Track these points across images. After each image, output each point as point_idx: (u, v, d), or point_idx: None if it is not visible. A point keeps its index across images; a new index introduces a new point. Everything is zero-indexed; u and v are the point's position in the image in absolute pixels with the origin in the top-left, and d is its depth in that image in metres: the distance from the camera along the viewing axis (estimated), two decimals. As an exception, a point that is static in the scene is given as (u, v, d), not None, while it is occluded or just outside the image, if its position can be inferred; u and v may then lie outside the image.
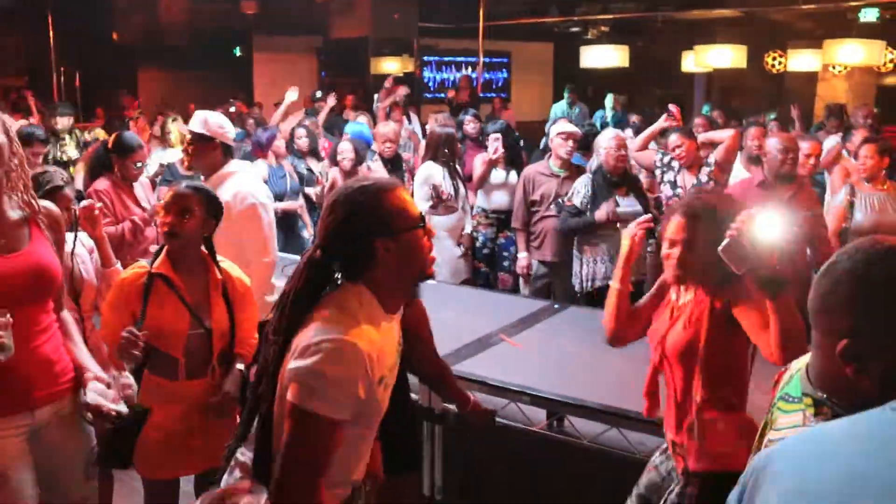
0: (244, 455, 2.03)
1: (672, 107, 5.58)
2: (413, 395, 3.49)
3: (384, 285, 1.91)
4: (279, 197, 6.04)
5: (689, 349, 2.45)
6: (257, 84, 13.03)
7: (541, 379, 3.32)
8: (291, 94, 7.32)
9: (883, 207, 4.63)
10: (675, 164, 5.11)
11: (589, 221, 4.81)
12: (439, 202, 5.30)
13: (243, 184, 3.79)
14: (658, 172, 5.20)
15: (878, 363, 1.24)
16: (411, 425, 2.99)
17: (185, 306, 2.84)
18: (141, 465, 2.90)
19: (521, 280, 5.51)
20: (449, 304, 4.44)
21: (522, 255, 5.33)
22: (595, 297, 4.85)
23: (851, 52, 9.88)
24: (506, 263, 5.65)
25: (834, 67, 12.64)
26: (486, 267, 5.65)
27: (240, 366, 2.97)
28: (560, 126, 5.37)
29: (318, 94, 7.12)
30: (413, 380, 3.53)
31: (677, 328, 2.50)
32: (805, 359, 1.59)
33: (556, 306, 4.41)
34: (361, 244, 1.88)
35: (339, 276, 1.94)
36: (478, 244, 5.65)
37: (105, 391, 2.39)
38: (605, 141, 4.90)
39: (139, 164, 4.43)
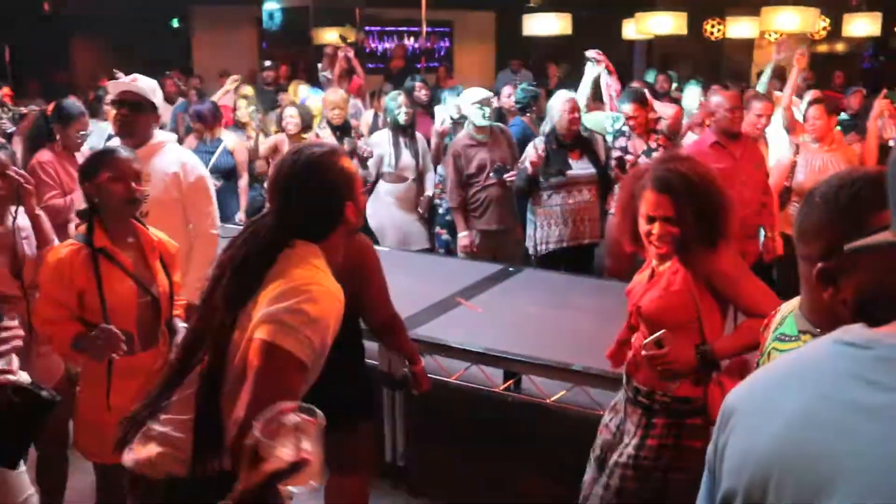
0: (162, 425, 1.95)
1: (591, 52, 5.35)
2: (373, 362, 3.47)
3: (336, 245, 1.97)
4: None
5: (659, 317, 2.46)
6: (196, 55, 12.70)
7: (501, 341, 3.32)
8: (230, 84, 7.22)
9: (825, 168, 4.67)
10: (626, 129, 5.12)
11: (523, 174, 4.78)
12: (362, 161, 5.22)
13: (185, 154, 3.70)
14: (609, 137, 5.19)
15: (850, 283, 1.24)
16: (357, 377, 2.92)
17: (131, 277, 2.74)
18: (96, 451, 2.79)
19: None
20: (404, 270, 4.40)
21: (463, 234, 5.12)
22: (549, 261, 4.87)
23: (788, 20, 10.00)
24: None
25: (770, 35, 12.84)
26: (447, 234, 5.58)
27: (182, 324, 2.90)
28: (469, 97, 5.20)
29: (267, 63, 6.97)
30: (371, 347, 3.52)
31: (653, 294, 2.50)
32: (796, 300, 1.61)
33: (511, 269, 4.42)
34: (333, 207, 1.94)
35: (287, 239, 1.93)
36: (441, 211, 5.58)
37: None
38: (559, 104, 4.87)
39: (82, 133, 4.26)
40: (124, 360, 2.69)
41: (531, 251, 4.99)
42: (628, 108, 5.00)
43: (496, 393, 3.31)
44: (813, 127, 4.73)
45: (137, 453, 1.96)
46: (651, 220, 2.41)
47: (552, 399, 3.14)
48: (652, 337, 2.39)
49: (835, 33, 12.38)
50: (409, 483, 3.58)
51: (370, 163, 5.37)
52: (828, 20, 11.77)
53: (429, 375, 3.42)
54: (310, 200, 1.93)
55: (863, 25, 10.93)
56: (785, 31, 11.15)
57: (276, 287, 1.81)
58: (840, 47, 15.01)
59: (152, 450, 1.93)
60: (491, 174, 5.05)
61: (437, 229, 5.58)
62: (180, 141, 7.69)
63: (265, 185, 3.81)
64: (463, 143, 5.18)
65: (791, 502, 0.96)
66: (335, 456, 2.85)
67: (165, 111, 9.38)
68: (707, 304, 2.43)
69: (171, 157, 3.57)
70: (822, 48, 14.93)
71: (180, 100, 8.58)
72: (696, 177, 2.42)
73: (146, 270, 2.79)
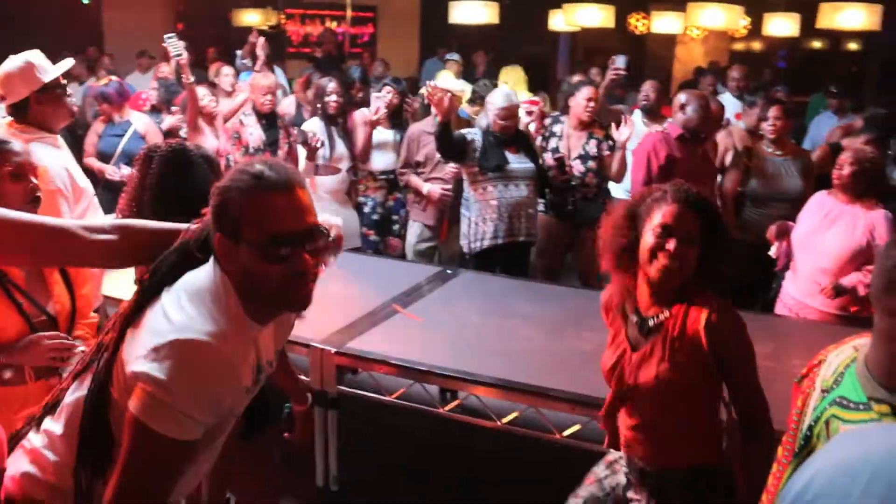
0: (39, 437, 1.69)
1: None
2: (304, 377, 3.17)
3: (238, 287, 1.55)
4: (105, 158, 5.58)
5: (669, 396, 2.07)
6: (108, 34, 11.98)
7: (445, 355, 3.06)
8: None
9: (778, 172, 4.59)
10: (557, 128, 4.97)
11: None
12: (312, 151, 4.88)
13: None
14: (540, 140, 5.02)
15: None
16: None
17: (22, 294, 2.32)
18: None
19: (406, 246, 5.19)
20: (333, 274, 4.09)
21: (427, 187, 4.95)
22: (484, 258, 4.64)
23: (712, 16, 10.15)
24: (395, 227, 5.32)
25: (692, 31, 12.96)
26: (375, 234, 5.29)
27: (82, 347, 2.51)
28: (437, 83, 5.05)
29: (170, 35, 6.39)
30: (303, 360, 3.22)
31: (653, 365, 2.07)
32: (845, 351, 1.38)
33: (448, 272, 4.16)
34: (212, 232, 1.56)
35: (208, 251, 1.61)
36: (366, 210, 5.28)
37: None
38: (495, 108, 4.63)
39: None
40: (11, 391, 2.29)
41: (465, 248, 4.76)
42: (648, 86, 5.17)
43: (440, 413, 3.04)
44: (772, 128, 4.59)
45: (11, 468, 1.68)
46: (667, 231, 2.03)
47: (504, 421, 2.89)
48: None
49: (755, 32, 12.57)
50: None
51: (319, 154, 5.03)
52: (748, 18, 11.90)
53: (365, 393, 3.17)
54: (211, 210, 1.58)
55: (782, 25, 11.10)
56: (709, 27, 11.28)
57: (151, 322, 1.51)
58: (757, 46, 15.31)
59: (21, 467, 1.66)
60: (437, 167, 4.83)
61: (364, 230, 5.28)
62: (87, 125, 7.24)
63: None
64: (422, 129, 5.04)
65: None
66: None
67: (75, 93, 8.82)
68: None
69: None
70: (739, 46, 15.21)
71: (91, 81, 8.00)
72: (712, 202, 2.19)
73: (41, 285, 2.38)
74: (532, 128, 5.11)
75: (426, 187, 4.96)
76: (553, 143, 4.96)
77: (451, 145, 4.55)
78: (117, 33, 11.76)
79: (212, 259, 1.58)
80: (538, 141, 4.99)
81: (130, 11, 11.99)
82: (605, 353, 2.24)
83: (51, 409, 1.71)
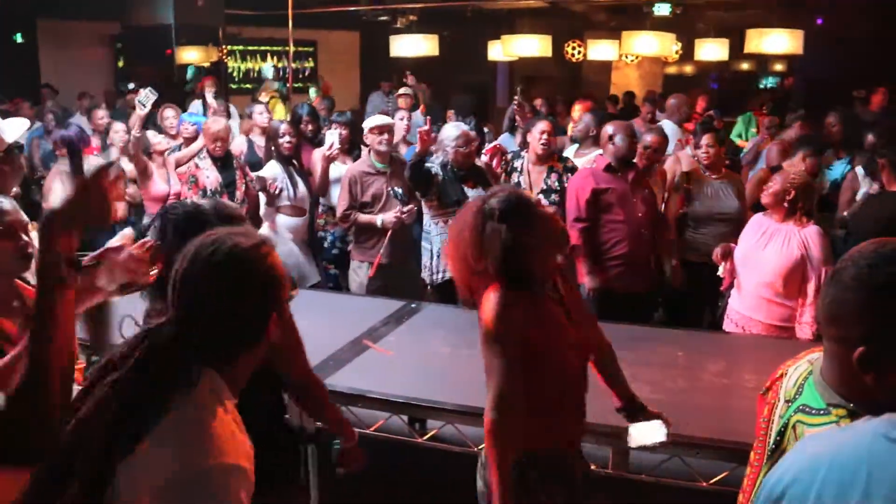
0: None
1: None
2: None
3: (243, 372, 1.57)
4: None
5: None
6: (44, 75, 11.85)
7: (419, 386, 3.19)
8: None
9: (716, 194, 4.91)
10: (518, 163, 5.15)
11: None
12: (272, 197, 5.00)
13: None
14: (503, 176, 5.19)
15: None
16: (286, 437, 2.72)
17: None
18: None
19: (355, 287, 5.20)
20: (300, 312, 4.18)
21: (381, 218, 4.90)
22: (445, 289, 4.78)
23: (646, 43, 10.53)
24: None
25: (627, 57, 13.41)
26: (335, 268, 5.39)
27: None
28: (371, 121, 5.18)
29: (131, 85, 6.38)
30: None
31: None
32: (802, 365, 1.57)
33: (413, 306, 4.30)
34: (256, 324, 1.53)
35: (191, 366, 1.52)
36: (326, 244, 5.39)
37: None
38: (451, 140, 4.82)
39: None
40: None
41: (427, 280, 4.90)
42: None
43: (419, 443, 3.17)
44: (706, 155, 4.93)
45: None
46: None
47: (479, 447, 3.03)
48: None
49: (687, 57, 13.06)
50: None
51: (283, 196, 5.12)
52: (679, 44, 12.37)
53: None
54: (226, 312, 1.50)
55: (712, 50, 11.57)
56: (643, 54, 11.71)
57: (161, 458, 1.41)
58: (689, 69, 15.88)
59: None
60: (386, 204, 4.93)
61: (325, 264, 5.38)
62: (35, 170, 7.21)
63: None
64: (360, 169, 5.07)
65: None
66: None
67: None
68: None
69: None
70: (672, 70, 15.77)
71: (37, 124, 7.94)
72: None
73: None
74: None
75: (380, 219, 4.94)
76: (515, 178, 5.10)
77: (424, 176, 4.69)
78: (54, 72, 11.64)
79: (203, 375, 1.51)
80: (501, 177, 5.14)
81: (68, 49, 11.89)
82: (564, 357, 2.42)
83: None
